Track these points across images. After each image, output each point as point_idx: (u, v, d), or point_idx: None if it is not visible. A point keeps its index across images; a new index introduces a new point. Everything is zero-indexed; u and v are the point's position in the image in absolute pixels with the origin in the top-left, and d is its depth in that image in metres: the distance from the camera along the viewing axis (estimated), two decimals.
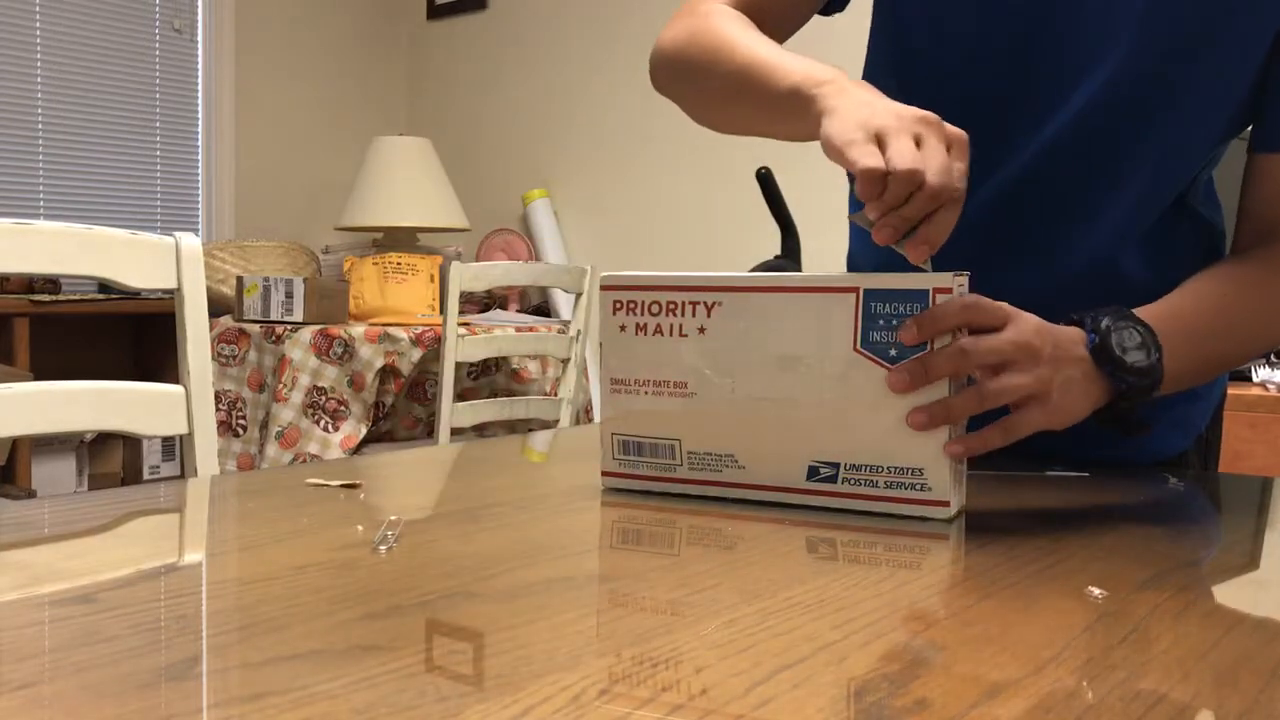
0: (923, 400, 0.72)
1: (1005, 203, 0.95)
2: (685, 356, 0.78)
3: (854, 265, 1.10)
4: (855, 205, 1.07)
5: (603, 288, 0.82)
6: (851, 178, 1.01)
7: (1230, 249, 0.96)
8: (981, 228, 0.96)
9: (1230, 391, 2.15)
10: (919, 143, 0.72)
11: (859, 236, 1.09)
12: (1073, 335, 0.78)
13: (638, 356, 0.80)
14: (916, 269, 0.73)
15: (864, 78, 1.04)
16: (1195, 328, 0.84)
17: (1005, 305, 0.74)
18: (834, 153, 0.74)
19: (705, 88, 0.97)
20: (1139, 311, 0.82)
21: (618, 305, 0.81)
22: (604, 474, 0.83)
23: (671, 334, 0.79)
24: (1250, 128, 0.94)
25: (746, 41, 0.91)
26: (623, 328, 0.81)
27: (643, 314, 0.80)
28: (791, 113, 0.84)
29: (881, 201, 0.71)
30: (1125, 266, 0.96)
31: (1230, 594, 0.58)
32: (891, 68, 1.00)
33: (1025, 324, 0.74)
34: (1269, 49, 0.88)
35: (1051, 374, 0.74)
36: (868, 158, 0.71)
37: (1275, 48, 0.88)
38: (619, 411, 0.81)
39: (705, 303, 0.78)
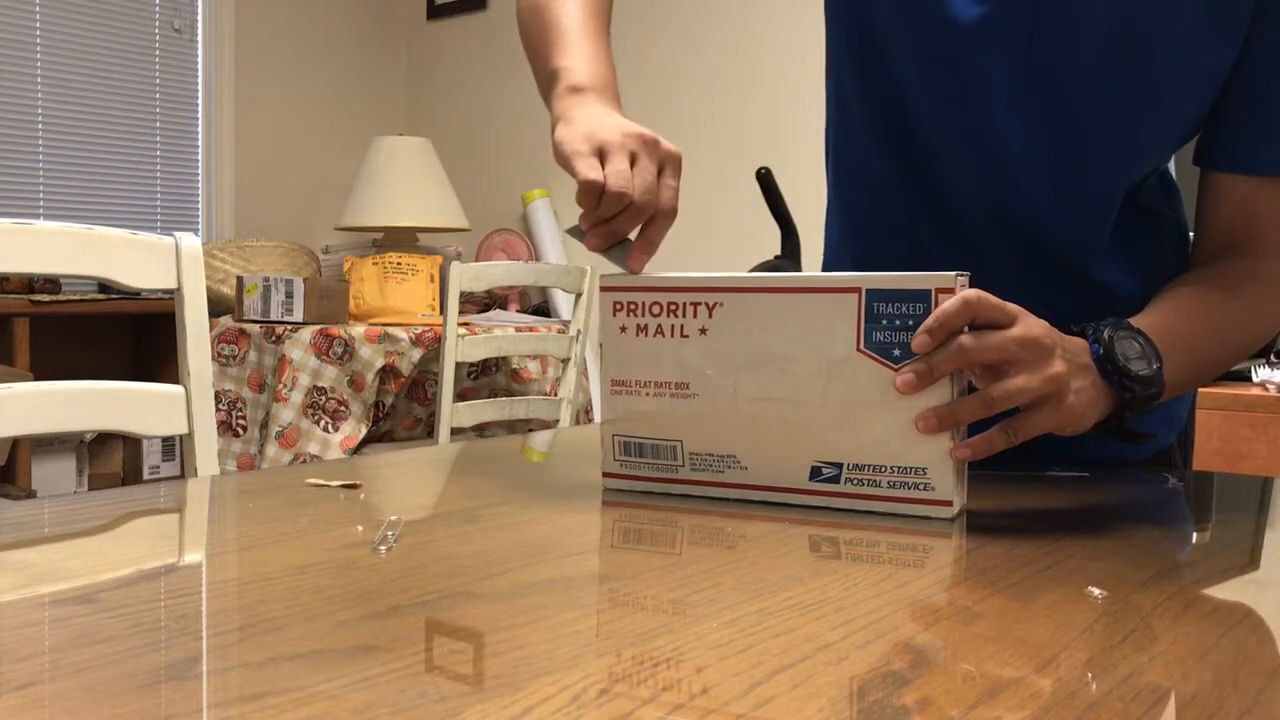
0: (927, 400, 0.72)
1: (983, 216, 0.95)
2: (686, 357, 0.78)
3: (831, 264, 1.10)
4: (832, 229, 1.10)
5: (602, 289, 0.82)
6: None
7: (1192, 260, 0.96)
8: (963, 241, 0.96)
9: (1230, 391, 2.15)
10: (634, 161, 0.81)
11: (833, 252, 1.09)
12: (1078, 344, 0.78)
13: (638, 357, 0.80)
14: (915, 269, 0.73)
15: (826, 70, 1.04)
16: (1181, 338, 0.85)
17: (1013, 305, 0.74)
18: (561, 159, 0.82)
19: (523, 26, 1.01)
20: (1133, 322, 0.83)
21: (618, 306, 0.81)
22: (605, 475, 0.83)
23: (672, 335, 0.79)
24: (1198, 144, 0.94)
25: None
26: (623, 329, 0.81)
27: (643, 315, 0.80)
28: (543, 86, 0.93)
29: (595, 214, 0.80)
30: (1106, 277, 0.96)
31: (1230, 594, 0.58)
32: (847, 58, 1.00)
33: (1033, 323, 0.74)
34: (1236, 56, 0.87)
35: (1065, 373, 0.73)
36: (588, 171, 0.79)
37: (1242, 58, 0.88)
38: (620, 413, 0.81)
39: (706, 303, 0.78)
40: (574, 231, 0.85)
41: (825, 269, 1.09)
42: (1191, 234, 1.00)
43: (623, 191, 0.79)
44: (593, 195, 0.79)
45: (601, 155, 0.81)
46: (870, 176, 1.01)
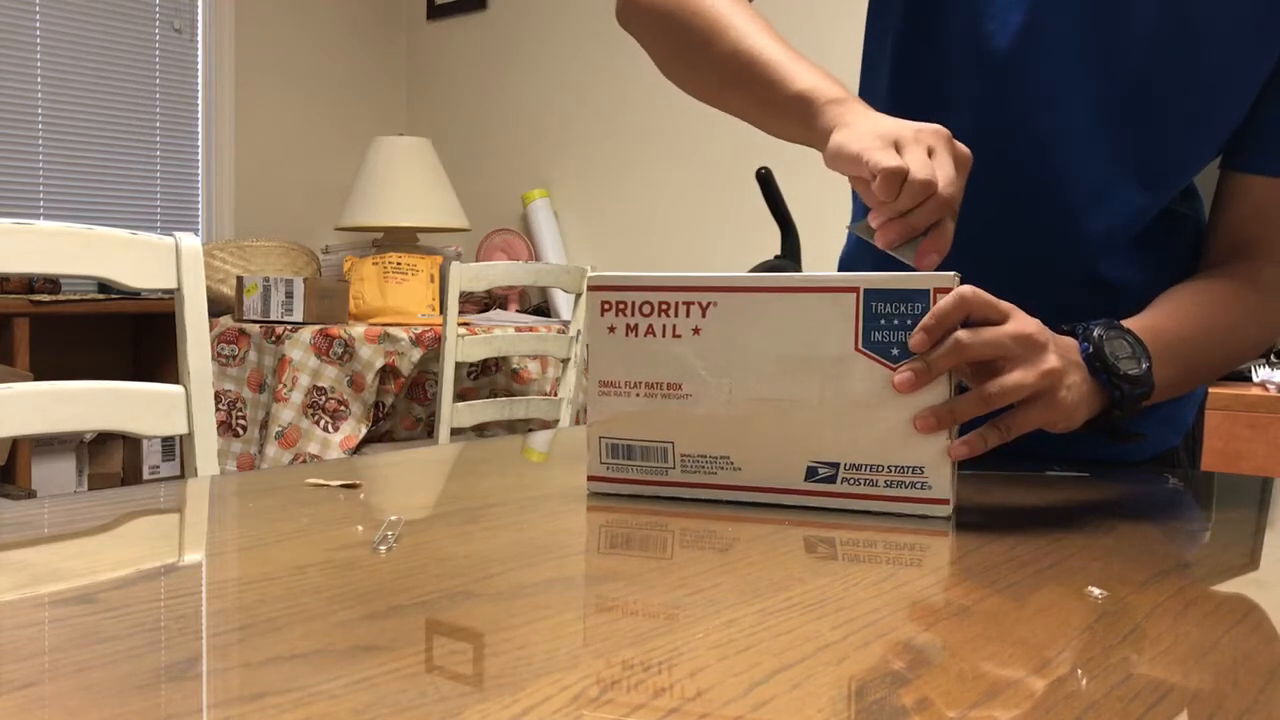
0: (924, 399, 0.72)
1: (1000, 214, 0.95)
2: (679, 357, 0.78)
3: (846, 267, 1.10)
4: (860, 215, 1.08)
5: (590, 288, 0.81)
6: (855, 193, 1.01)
7: (1203, 263, 0.96)
8: (977, 238, 0.96)
9: (1230, 391, 2.15)
10: (931, 155, 0.76)
11: (853, 249, 1.09)
12: (1068, 343, 0.78)
13: (628, 358, 0.79)
14: (913, 269, 0.73)
15: (861, 76, 1.04)
16: (1178, 339, 0.85)
17: (1005, 302, 0.74)
18: (847, 160, 0.77)
19: (692, 61, 0.97)
20: (1124, 323, 0.83)
21: (606, 306, 0.80)
22: (590, 479, 0.81)
23: (664, 335, 0.78)
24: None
25: (744, 26, 0.91)
26: (611, 329, 0.80)
27: (633, 315, 0.79)
28: (793, 117, 0.86)
29: (892, 206, 0.75)
30: (1116, 274, 0.96)
31: (1230, 594, 0.58)
32: (883, 70, 1.00)
33: (1025, 319, 0.74)
34: (1276, 59, 0.88)
35: (1060, 368, 0.74)
36: (890, 159, 0.74)
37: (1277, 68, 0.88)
38: (608, 414, 0.80)
39: (700, 303, 0.77)
40: (861, 229, 0.81)
41: (841, 269, 1.09)
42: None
43: (929, 180, 0.74)
44: (895, 184, 0.75)
45: (897, 148, 0.77)
46: None
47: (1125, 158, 0.91)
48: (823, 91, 0.85)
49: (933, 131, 0.78)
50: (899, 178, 0.74)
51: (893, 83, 0.98)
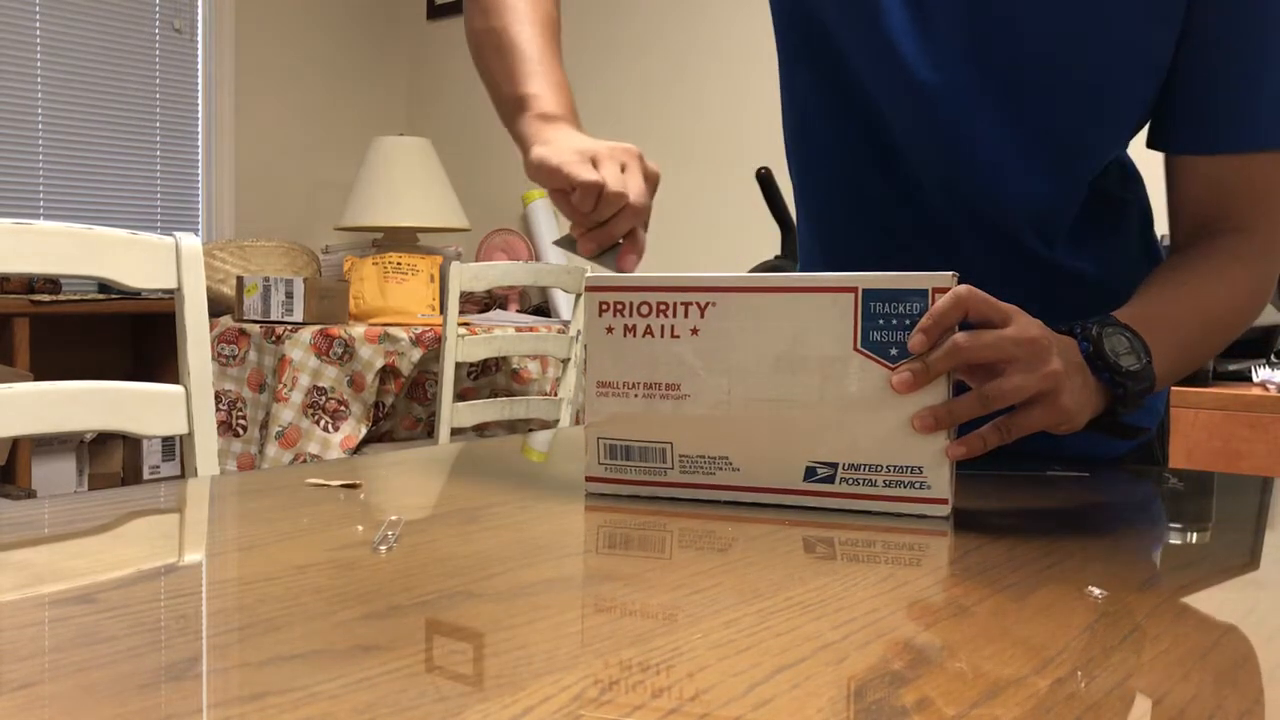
0: (923, 400, 0.72)
1: (955, 214, 0.96)
2: (677, 358, 0.78)
3: (806, 264, 1.10)
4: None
5: (588, 289, 0.80)
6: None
7: (1171, 246, 0.97)
8: (943, 240, 0.97)
9: (1230, 391, 2.16)
10: (623, 170, 0.85)
11: (806, 257, 1.10)
12: (1068, 342, 0.78)
13: (626, 358, 0.79)
14: (902, 269, 0.74)
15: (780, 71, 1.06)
16: (1171, 326, 0.85)
17: (1007, 304, 0.74)
18: (547, 173, 0.85)
19: (471, 21, 1.03)
20: (1117, 315, 0.83)
21: (604, 307, 0.80)
22: (588, 480, 0.81)
23: (662, 335, 0.78)
24: (1157, 130, 0.94)
25: (522, 10, 0.98)
26: (609, 329, 0.79)
27: (631, 315, 0.79)
28: (506, 112, 0.96)
29: (589, 217, 0.84)
30: (1071, 263, 0.96)
31: (1230, 594, 0.58)
32: (795, 53, 1.01)
33: (1028, 321, 0.74)
34: (1174, 43, 0.88)
35: (1062, 371, 0.74)
36: (587, 174, 0.83)
37: (1186, 41, 0.88)
38: (606, 415, 0.80)
39: (698, 303, 0.77)
40: (564, 241, 0.89)
41: (802, 269, 1.09)
42: (1155, 217, 1.00)
43: (622, 192, 0.83)
44: (592, 196, 0.83)
45: (594, 164, 0.84)
46: (833, 173, 1.02)
47: (1040, 149, 0.92)
48: (541, 103, 0.93)
49: (625, 149, 0.87)
50: (595, 191, 0.82)
51: (811, 79, 1.00)
